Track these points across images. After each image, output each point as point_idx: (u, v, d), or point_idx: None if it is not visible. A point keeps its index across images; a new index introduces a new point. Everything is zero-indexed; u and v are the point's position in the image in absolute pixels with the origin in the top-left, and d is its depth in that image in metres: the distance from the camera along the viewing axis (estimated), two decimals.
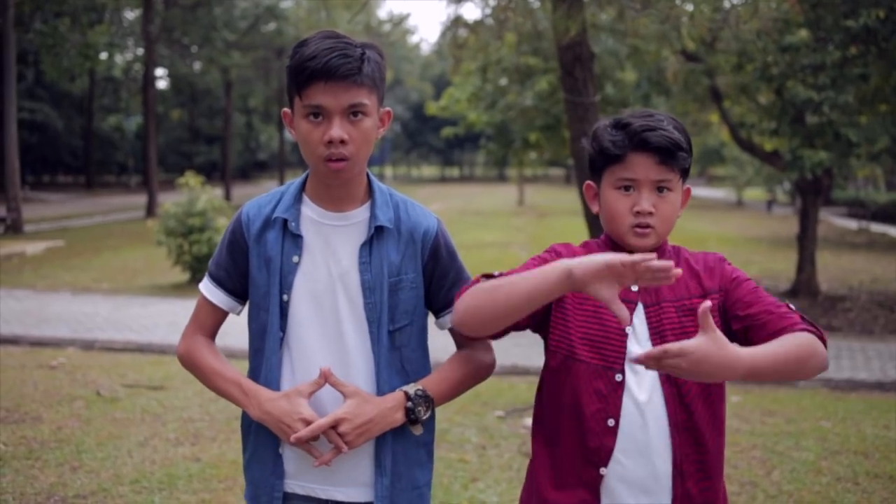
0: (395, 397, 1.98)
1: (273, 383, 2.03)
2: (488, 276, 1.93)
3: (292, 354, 2.03)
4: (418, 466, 2.09)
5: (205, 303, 2.16)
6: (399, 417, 1.96)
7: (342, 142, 1.90)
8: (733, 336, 1.90)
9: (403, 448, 2.04)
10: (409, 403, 1.96)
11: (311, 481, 2.03)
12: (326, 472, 2.01)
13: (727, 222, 27.79)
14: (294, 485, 2.04)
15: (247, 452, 2.12)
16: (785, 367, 1.77)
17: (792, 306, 1.92)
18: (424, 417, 1.99)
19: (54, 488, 4.58)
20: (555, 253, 2.01)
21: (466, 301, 1.87)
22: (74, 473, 4.81)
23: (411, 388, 1.99)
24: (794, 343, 1.80)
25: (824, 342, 1.86)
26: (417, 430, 2.00)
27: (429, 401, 1.99)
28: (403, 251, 2.02)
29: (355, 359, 2.01)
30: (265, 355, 2.05)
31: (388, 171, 69.87)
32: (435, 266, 2.05)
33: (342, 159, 1.91)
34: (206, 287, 2.15)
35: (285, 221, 2.02)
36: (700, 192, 48.28)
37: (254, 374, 2.09)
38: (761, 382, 7.45)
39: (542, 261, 1.97)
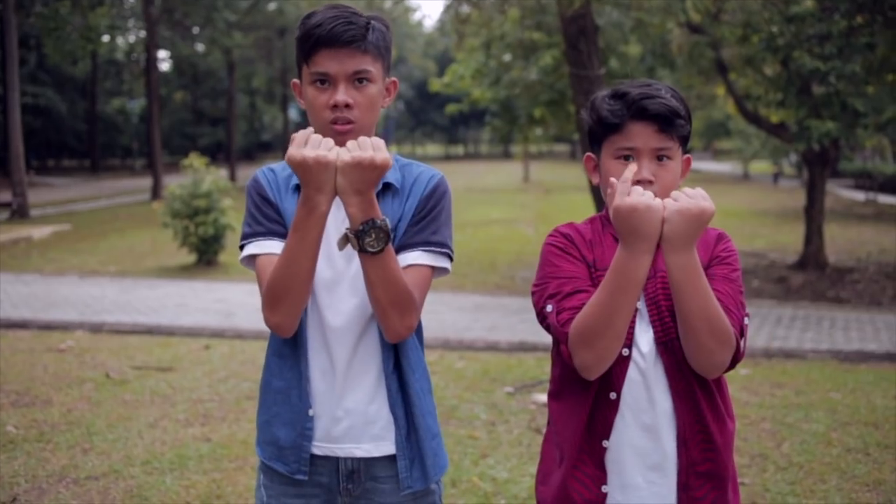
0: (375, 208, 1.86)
1: (302, 342, 2.03)
2: (544, 309, 1.93)
3: (316, 313, 2.03)
4: (430, 415, 2.11)
5: (267, 261, 1.97)
6: (358, 210, 1.82)
7: (347, 106, 1.94)
8: None
9: (413, 398, 2.06)
10: (370, 223, 1.83)
11: (330, 441, 2.05)
12: (345, 432, 2.04)
13: (734, 196, 27.72)
14: (314, 446, 2.06)
15: (266, 413, 2.12)
16: (691, 296, 1.78)
17: (747, 319, 1.91)
18: (366, 243, 1.84)
19: (66, 470, 4.60)
20: (565, 238, 2.00)
21: (584, 356, 1.84)
22: (85, 455, 4.84)
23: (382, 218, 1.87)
24: (717, 307, 1.81)
25: (736, 358, 1.86)
26: (350, 243, 1.86)
27: (380, 235, 1.84)
28: (405, 204, 2.04)
29: (368, 314, 2.02)
30: None
31: (393, 149, 69.33)
32: (424, 207, 2.04)
33: (347, 122, 1.95)
34: (260, 246, 2.00)
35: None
36: (706, 165, 48.12)
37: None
38: (770, 356, 7.44)
39: (563, 254, 1.97)
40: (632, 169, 1.79)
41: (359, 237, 1.84)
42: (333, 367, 2.03)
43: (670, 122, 1.89)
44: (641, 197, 1.74)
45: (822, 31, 9.88)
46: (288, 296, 1.92)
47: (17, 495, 4.27)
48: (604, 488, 1.93)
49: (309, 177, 1.81)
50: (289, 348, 2.06)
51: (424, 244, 2.01)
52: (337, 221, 2.01)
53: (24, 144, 21.51)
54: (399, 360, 2.05)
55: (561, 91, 14.63)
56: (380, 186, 2.02)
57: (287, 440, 2.07)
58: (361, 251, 1.86)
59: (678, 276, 1.78)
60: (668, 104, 1.88)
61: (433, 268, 2.02)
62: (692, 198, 1.77)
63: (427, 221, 2.02)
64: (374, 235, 1.84)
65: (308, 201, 1.84)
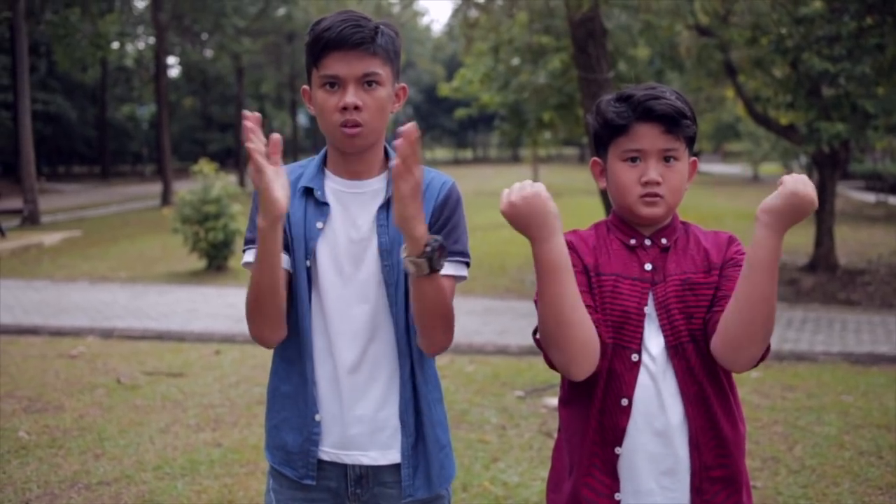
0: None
1: (307, 346, 2.04)
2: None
3: (322, 318, 2.04)
4: (440, 426, 2.11)
5: None
6: (423, 233, 1.80)
7: (356, 108, 1.95)
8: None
9: (424, 408, 2.06)
10: (433, 242, 1.82)
11: (338, 447, 2.06)
12: (353, 439, 2.04)
13: (743, 198, 27.61)
14: (321, 451, 2.07)
15: (275, 418, 2.13)
16: (767, 279, 1.77)
17: None
18: (436, 262, 1.83)
19: (77, 476, 4.61)
20: (567, 245, 2.00)
21: (556, 357, 1.86)
22: (97, 461, 4.85)
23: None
24: (776, 296, 1.82)
25: (765, 354, 1.88)
26: (420, 268, 1.82)
27: (443, 252, 1.85)
28: None
29: (379, 321, 2.03)
30: (297, 317, 2.04)
31: None
32: (440, 216, 2.04)
33: (356, 125, 1.96)
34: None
35: (312, 190, 2.05)
36: (715, 168, 48.02)
37: (290, 338, 2.07)
38: (781, 359, 7.41)
39: None
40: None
41: (430, 259, 1.82)
42: (340, 373, 2.03)
43: (676, 123, 1.88)
44: (517, 191, 1.76)
45: (832, 33, 9.84)
46: (256, 309, 1.95)
47: (30, 501, 4.29)
48: (617, 496, 1.92)
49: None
50: (295, 353, 2.06)
51: (449, 255, 2.00)
52: (346, 225, 2.02)
53: (35, 151, 21.58)
54: (414, 368, 2.05)
55: (570, 94, 14.62)
56: (390, 192, 2.03)
57: (294, 445, 2.07)
58: (432, 272, 1.84)
59: (764, 255, 1.77)
60: (674, 105, 1.88)
61: (456, 277, 2.03)
62: (808, 185, 1.74)
63: (447, 232, 2.02)
64: (439, 253, 1.84)
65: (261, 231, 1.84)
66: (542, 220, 1.76)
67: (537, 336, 1.90)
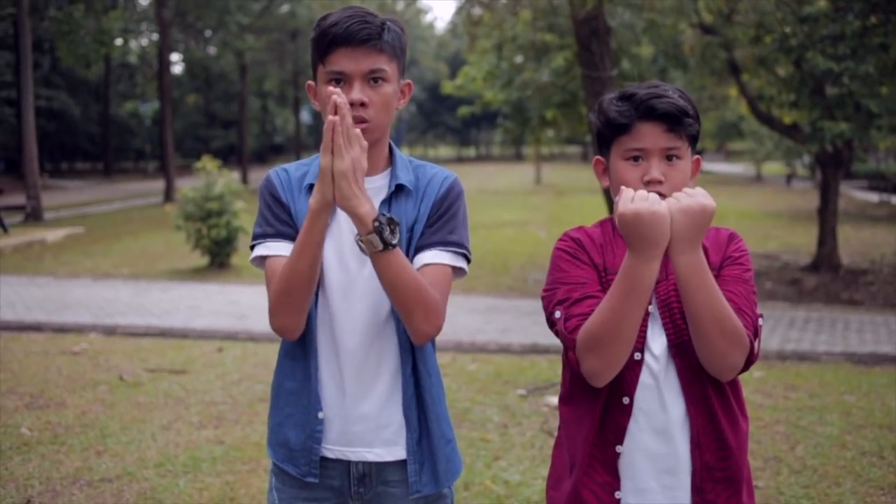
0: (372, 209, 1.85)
1: (312, 343, 2.05)
2: (553, 315, 1.92)
3: (327, 315, 2.04)
4: (444, 420, 2.12)
5: (275, 263, 1.99)
6: (368, 210, 1.81)
7: (362, 104, 1.95)
8: None
9: (428, 403, 2.06)
10: (382, 217, 1.83)
11: (342, 444, 2.06)
12: (357, 435, 2.04)
13: (746, 197, 27.60)
14: (325, 449, 2.07)
15: (278, 415, 2.13)
16: (699, 296, 1.77)
17: (761, 320, 1.89)
18: (386, 236, 1.83)
19: (80, 472, 4.62)
20: (575, 243, 1.99)
21: (592, 363, 1.84)
22: (99, 457, 4.85)
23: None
24: (727, 307, 1.80)
25: (750, 359, 1.85)
26: (373, 244, 1.83)
27: (394, 225, 1.85)
28: (419, 206, 2.04)
29: (382, 318, 2.03)
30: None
31: (405, 151, 69.38)
32: (439, 208, 2.04)
33: (362, 121, 1.95)
34: (269, 248, 2.02)
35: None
36: (718, 166, 47.98)
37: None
38: (784, 359, 7.41)
39: (573, 259, 1.97)
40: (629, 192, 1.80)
41: (380, 234, 1.82)
42: (344, 370, 2.03)
43: (679, 121, 1.88)
44: (645, 202, 1.73)
45: (836, 32, 9.82)
46: (287, 296, 1.92)
47: (32, 497, 4.29)
48: (617, 494, 1.92)
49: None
50: (299, 350, 2.06)
51: (441, 244, 2.00)
52: (350, 222, 2.02)
53: (38, 147, 21.58)
54: (416, 363, 2.05)
55: (573, 92, 14.61)
56: (392, 188, 2.03)
57: (297, 442, 2.07)
58: (385, 248, 1.84)
59: (686, 275, 1.78)
60: (676, 103, 1.88)
61: (452, 267, 2.02)
62: (692, 196, 1.77)
63: (443, 222, 2.02)
64: (390, 227, 1.83)
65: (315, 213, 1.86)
66: (658, 240, 1.75)
67: (574, 335, 1.86)
